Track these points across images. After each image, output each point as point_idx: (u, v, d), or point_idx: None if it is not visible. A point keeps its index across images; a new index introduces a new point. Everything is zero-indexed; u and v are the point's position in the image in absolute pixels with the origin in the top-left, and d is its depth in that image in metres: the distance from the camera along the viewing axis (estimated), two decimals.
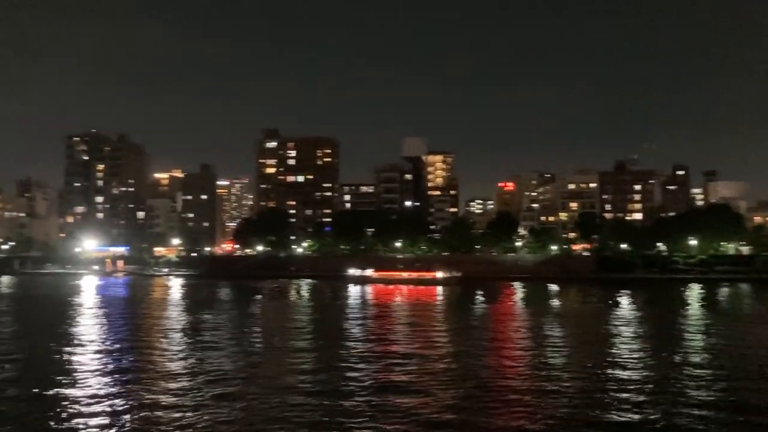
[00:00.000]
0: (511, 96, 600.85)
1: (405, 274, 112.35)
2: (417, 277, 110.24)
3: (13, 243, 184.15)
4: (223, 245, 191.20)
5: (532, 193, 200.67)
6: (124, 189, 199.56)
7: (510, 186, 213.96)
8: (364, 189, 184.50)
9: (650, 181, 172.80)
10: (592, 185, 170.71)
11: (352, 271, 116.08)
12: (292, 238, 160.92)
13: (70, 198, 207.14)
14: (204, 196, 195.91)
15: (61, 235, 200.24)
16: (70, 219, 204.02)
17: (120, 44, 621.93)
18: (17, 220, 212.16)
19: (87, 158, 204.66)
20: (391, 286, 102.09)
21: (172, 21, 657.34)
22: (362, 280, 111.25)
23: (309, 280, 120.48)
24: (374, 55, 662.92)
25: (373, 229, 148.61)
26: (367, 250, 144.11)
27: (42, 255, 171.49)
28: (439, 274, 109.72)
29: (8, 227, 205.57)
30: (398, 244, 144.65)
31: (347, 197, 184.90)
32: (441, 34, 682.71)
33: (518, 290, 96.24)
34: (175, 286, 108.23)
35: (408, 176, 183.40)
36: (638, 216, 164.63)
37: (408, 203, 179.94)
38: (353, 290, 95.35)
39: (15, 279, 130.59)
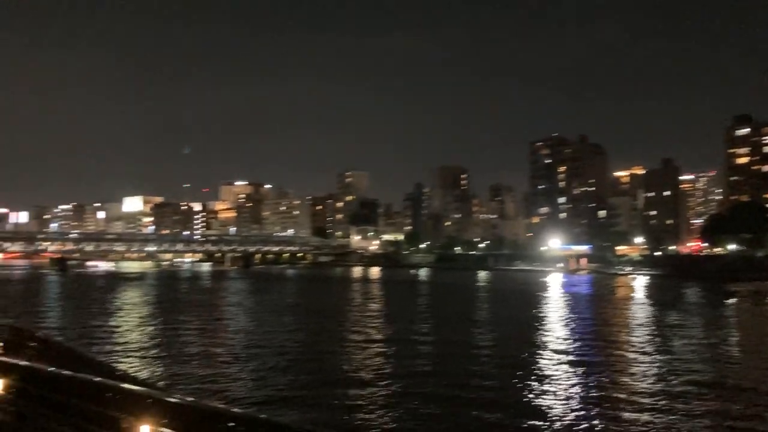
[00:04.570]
0: None
1: None
2: None
3: (488, 242, 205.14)
4: (689, 243, 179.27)
5: None
6: (585, 189, 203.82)
7: None
8: None
9: None
10: None
11: None
12: None
13: (535, 199, 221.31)
14: (666, 193, 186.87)
15: (528, 234, 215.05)
16: (535, 219, 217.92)
17: (570, 50, 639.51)
18: (490, 221, 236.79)
19: (550, 161, 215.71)
20: None
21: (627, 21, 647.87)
22: None
23: None
24: None
25: None
26: None
27: (512, 252, 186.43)
28: None
29: (483, 228, 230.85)
30: None
31: None
32: None
33: None
34: (639, 285, 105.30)
35: None
36: None
37: None
38: None
39: (490, 274, 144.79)
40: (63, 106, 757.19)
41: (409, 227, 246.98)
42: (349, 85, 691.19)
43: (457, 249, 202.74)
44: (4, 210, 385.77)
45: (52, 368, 10.66)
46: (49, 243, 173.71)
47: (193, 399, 8.34)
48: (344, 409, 23.72)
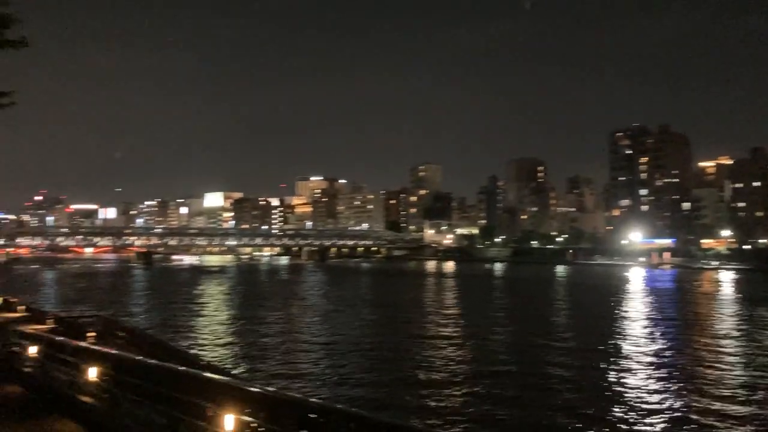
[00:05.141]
0: None
1: None
2: None
3: (566, 235, 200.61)
4: None
5: None
6: (667, 180, 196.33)
7: None
8: None
9: None
10: None
11: None
12: None
13: (615, 192, 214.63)
14: (756, 183, 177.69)
15: (608, 227, 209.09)
16: (615, 212, 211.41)
17: (650, 37, 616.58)
18: (568, 214, 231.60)
19: (630, 152, 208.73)
20: None
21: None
22: None
23: None
24: None
25: None
26: None
27: (591, 247, 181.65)
28: None
29: (561, 221, 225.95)
30: None
31: None
32: None
33: None
34: (726, 280, 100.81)
35: None
36: None
37: None
38: None
39: (568, 268, 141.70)
40: (147, 106, 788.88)
41: (483, 221, 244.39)
42: (422, 78, 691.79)
43: (534, 243, 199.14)
44: (94, 206, 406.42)
45: (141, 357, 11.18)
46: (135, 238, 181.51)
47: (274, 389, 8.54)
48: (419, 409, 23.76)
